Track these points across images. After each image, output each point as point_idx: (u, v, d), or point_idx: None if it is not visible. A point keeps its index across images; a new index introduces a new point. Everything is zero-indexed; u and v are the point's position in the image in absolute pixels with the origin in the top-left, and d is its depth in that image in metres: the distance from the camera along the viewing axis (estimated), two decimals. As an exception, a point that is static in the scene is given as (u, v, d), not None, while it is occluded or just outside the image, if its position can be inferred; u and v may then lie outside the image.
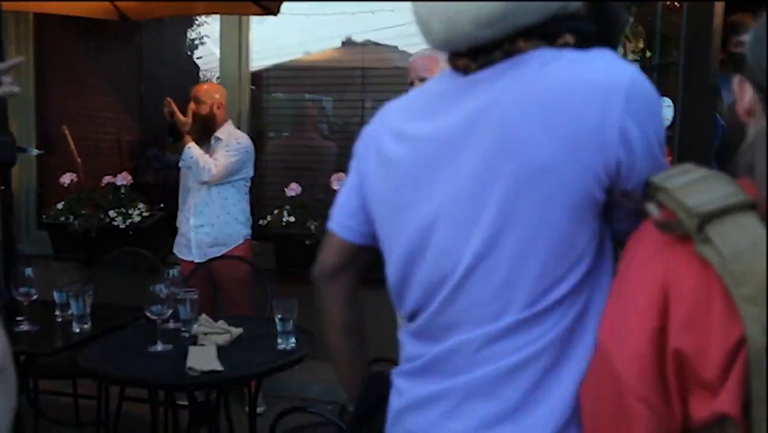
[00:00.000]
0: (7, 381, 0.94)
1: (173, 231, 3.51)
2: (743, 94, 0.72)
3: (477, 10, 0.81)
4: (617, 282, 0.78)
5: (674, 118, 1.95)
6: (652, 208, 0.72)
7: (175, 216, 3.53)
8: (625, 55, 2.38)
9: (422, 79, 2.66)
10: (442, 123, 0.89)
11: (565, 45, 0.85)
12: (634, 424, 0.68)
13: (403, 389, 0.96)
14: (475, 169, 0.84)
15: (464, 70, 0.89)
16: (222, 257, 3.32)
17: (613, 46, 0.88)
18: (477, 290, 0.86)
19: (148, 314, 2.23)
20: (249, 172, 3.42)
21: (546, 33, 0.84)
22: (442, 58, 2.68)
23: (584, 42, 0.85)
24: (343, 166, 3.87)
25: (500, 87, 0.84)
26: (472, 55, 0.87)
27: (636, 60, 2.43)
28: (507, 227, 0.83)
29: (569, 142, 0.80)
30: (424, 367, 0.93)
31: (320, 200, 3.73)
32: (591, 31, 0.86)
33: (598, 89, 0.80)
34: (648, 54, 2.48)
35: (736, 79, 0.73)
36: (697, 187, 0.68)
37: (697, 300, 0.65)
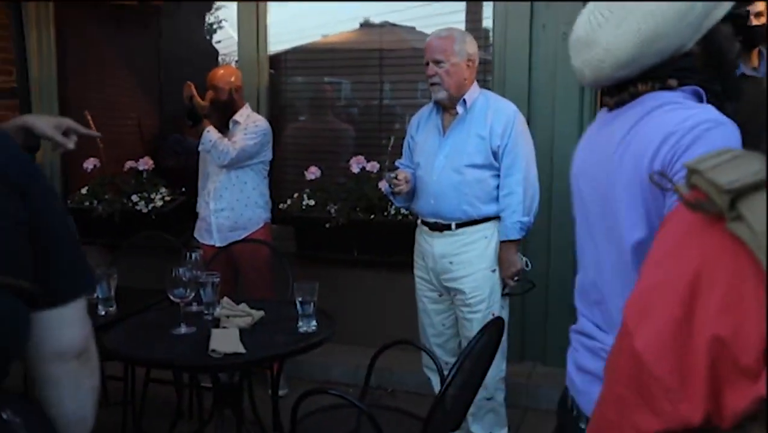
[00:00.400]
0: (90, 361, 1.03)
1: (195, 215, 3.53)
2: None
3: (616, 58, 1.12)
4: (647, 262, 0.78)
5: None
6: (682, 188, 0.71)
7: (196, 200, 3.56)
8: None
9: (436, 61, 2.60)
10: (591, 148, 1.25)
11: (670, 87, 1.12)
12: (648, 400, 0.69)
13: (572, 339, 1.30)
14: (595, 181, 1.18)
15: (608, 108, 1.21)
16: (242, 240, 3.34)
17: (726, 73, 1.15)
18: (587, 276, 1.22)
19: (171, 297, 2.27)
20: (267, 155, 3.43)
21: (657, 75, 1.12)
22: (459, 40, 2.64)
23: (686, 77, 1.11)
24: (361, 149, 3.88)
25: (618, 124, 1.16)
26: (610, 93, 1.19)
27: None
28: (608, 228, 1.13)
29: (633, 168, 1.08)
30: (576, 328, 1.28)
31: (340, 183, 3.73)
32: (692, 65, 1.11)
33: (662, 132, 1.05)
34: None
35: None
36: (728, 166, 0.67)
37: (731, 283, 0.64)
